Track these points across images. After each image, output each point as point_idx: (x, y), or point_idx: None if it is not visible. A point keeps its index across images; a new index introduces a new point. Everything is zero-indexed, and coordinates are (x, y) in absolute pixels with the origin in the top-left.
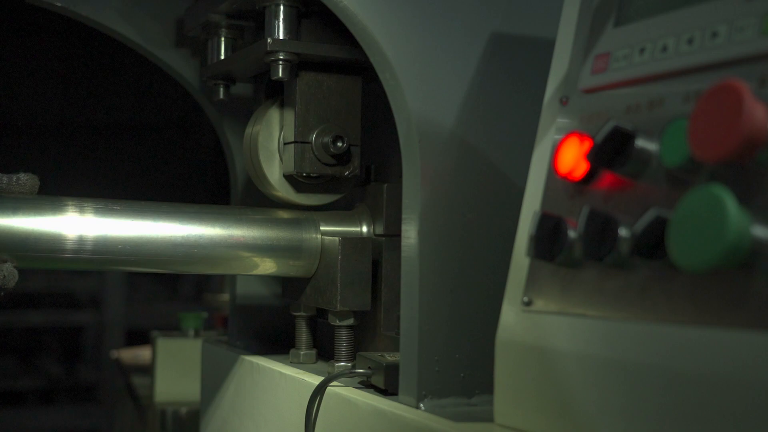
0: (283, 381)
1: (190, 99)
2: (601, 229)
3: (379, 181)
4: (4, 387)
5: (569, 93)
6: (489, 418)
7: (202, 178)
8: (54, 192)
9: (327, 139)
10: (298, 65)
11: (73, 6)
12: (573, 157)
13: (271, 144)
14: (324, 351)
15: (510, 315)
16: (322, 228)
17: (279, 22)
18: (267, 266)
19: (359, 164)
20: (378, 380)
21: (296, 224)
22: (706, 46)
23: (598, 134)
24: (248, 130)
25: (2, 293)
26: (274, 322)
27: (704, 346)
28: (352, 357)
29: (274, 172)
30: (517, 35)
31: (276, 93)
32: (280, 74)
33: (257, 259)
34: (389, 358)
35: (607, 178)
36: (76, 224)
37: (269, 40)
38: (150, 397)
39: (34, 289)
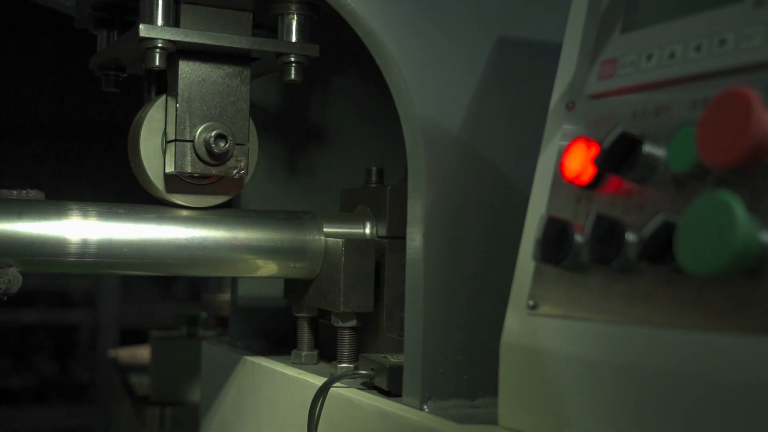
0: (285, 382)
1: None
2: (607, 233)
3: (382, 182)
4: None
5: (575, 98)
6: (492, 420)
7: None
8: (49, 192)
9: (209, 137)
10: (180, 55)
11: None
12: (580, 162)
13: (155, 141)
14: (325, 352)
15: (515, 318)
16: (324, 229)
17: (156, 9)
18: (270, 268)
19: (248, 164)
20: (381, 381)
21: (299, 226)
22: (713, 53)
23: (606, 139)
24: (132, 124)
25: (5, 298)
26: (276, 322)
27: (711, 351)
28: (354, 358)
29: (155, 170)
30: (523, 39)
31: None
32: (156, 63)
33: (260, 262)
34: (392, 359)
35: (613, 183)
36: (80, 228)
37: (141, 26)
38: (148, 396)
39: (28, 287)
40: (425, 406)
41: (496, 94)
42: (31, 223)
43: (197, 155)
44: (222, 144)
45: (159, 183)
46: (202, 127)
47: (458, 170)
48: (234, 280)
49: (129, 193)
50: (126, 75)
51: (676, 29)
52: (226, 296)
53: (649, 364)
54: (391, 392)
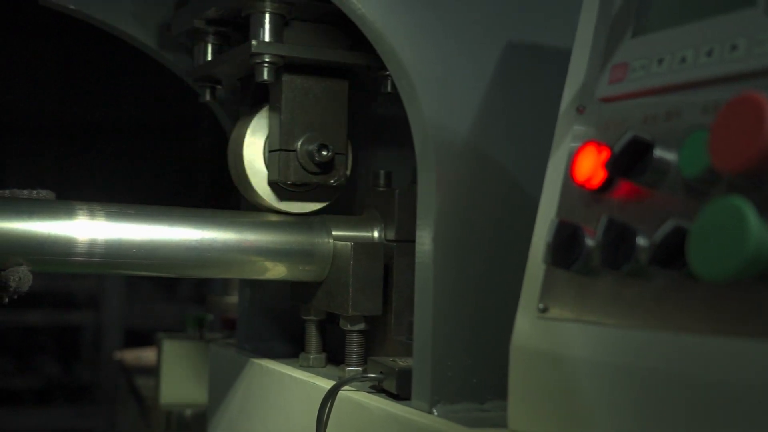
0: (293, 385)
1: (188, 99)
2: (618, 237)
3: (391, 186)
4: (1, 386)
5: (586, 102)
6: (502, 423)
7: (200, 178)
8: (50, 189)
9: (312, 148)
10: (284, 69)
11: (86, 9)
12: (590, 166)
13: (256, 150)
14: (333, 355)
15: (525, 321)
16: (333, 233)
17: (264, 25)
18: (279, 270)
19: (345, 173)
20: (390, 385)
21: (308, 229)
22: (725, 59)
23: (617, 144)
24: (234, 134)
25: (15, 296)
26: (283, 325)
27: (721, 356)
28: (362, 361)
29: (258, 179)
30: (532, 43)
31: (264, 95)
32: (265, 77)
33: (269, 264)
34: (401, 363)
35: (624, 187)
36: (90, 228)
37: (254, 42)
38: (154, 398)
39: (31, 288)
40: (434, 410)
41: (506, 98)
42: (42, 223)
43: (300, 164)
44: (325, 153)
45: (260, 189)
46: (304, 137)
47: (468, 174)
48: (242, 283)
49: (132, 193)
50: (221, 87)
51: (687, 34)
52: (232, 298)
53: (660, 368)
54: (400, 396)
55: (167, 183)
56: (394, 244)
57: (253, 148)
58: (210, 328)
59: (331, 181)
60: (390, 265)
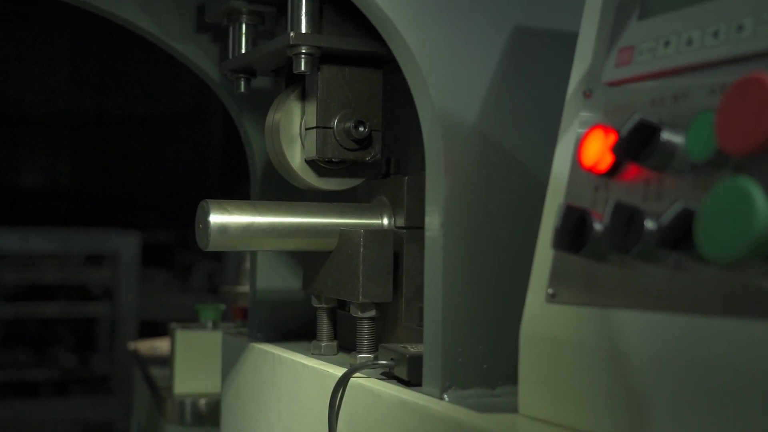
0: (305, 372)
1: (200, 90)
2: (626, 221)
3: (400, 173)
4: (19, 378)
5: (593, 86)
6: (512, 409)
7: (213, 166)
8: (65, 182)
9: (349, 124)
10: (320, 58)
11: None
12: (598, 150)
13: (293, 130)
14: (345, 342)
15: (534, 306)
16: (343, 220)
17: (301, 15)
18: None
19: (381, 149)
20: (401, 371)
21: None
22: (731, 39)
23: (624, 127)
24: (269, 118)
25: None
26: (295, 313)
27: (731, 337)
28: (373, 348)
29: (295, 158)
30: (539, 28)
31: (296, 81)
32: (303, 68)
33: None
34: (412, 349)
35: (632, 170)
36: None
37: (292, 33)
38: (169, 388)
39: (47, 280)
40: (445, 396)
41: (513, 83)
42: None
43: (337, 141)
44: (362, 129)
45: (298, 168)
46: (340, 114)
47: (476, 159)
48: (253, 272)
49: (144, 183)
50: (255, 78)
51: (693, 15)
52: (244, 288)
53: (669, 351)
54: (411, 382)
55: (179, 171)
56: (404, 230)
57: (290, 127)
58: (223, 317)
59: (368, 158)
60: (400, 252)
